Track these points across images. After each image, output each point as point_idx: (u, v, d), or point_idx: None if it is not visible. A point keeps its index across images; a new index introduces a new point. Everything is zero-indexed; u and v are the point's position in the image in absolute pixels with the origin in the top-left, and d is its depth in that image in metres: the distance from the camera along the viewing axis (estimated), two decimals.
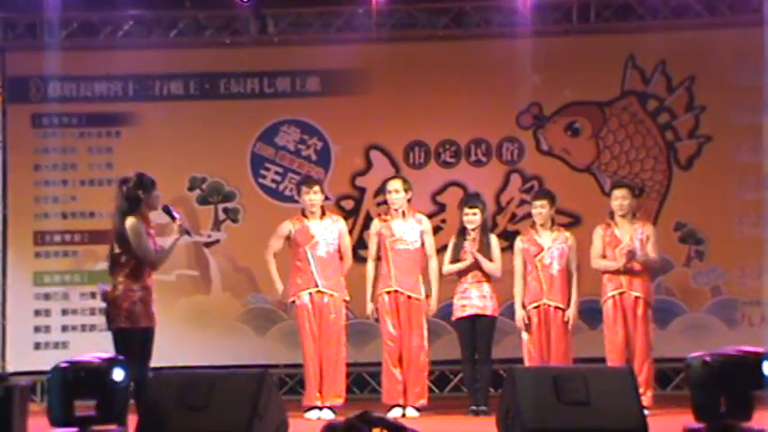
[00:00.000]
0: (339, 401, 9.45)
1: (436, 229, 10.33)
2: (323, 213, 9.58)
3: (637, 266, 9.30)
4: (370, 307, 9.61)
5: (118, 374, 6.72)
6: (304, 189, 9.58)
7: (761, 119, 10.81)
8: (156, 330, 8.17)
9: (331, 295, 9.46)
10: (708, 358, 6.67)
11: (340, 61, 11.28)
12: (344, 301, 9.55)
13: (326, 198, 10.11)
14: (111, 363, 6.78)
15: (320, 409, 9.41)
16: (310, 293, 9.47)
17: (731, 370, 6.59)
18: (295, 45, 11.40)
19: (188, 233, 8.37)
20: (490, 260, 9.53)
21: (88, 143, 11.31)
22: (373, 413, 4.57)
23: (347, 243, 9.68)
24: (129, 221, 8.03)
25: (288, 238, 9.55)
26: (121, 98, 11.32)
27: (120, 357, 6.97)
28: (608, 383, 6.80)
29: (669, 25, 11.16)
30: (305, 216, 9.58)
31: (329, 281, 9.47)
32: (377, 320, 9.68)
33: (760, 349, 6.77)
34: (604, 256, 9.41)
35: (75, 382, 6.71)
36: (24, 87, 11.28)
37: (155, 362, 9.23)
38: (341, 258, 9.58)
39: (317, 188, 9.54)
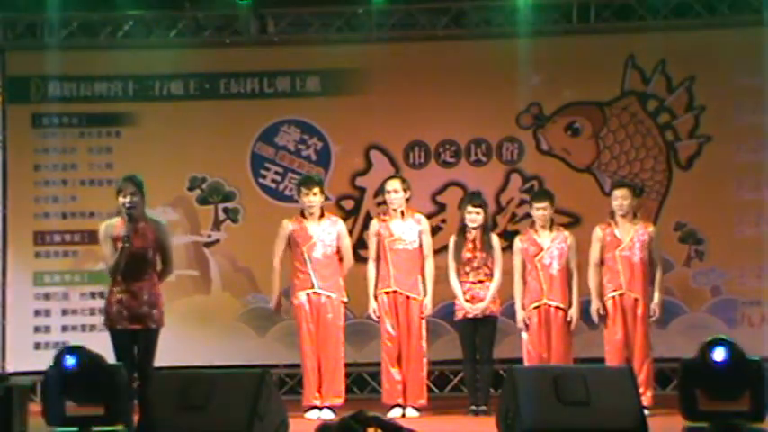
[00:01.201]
0: (339, 401, 9.46)
1: (436, 229, 10.34)
2: (321, 215, 9.57)
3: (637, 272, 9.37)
4: (373, 305, 9.60)
5: (68, 361, 6.65)
6: (303, 191, 9.56)
7: (761, 119, 10.82)
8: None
9: (328, 296, 9.46)
10: (691, 357, 6.68)
11: (340, 61, 11.28)
12: (342, 302, 9.54)
13: (326, 198, 10.10)
14: (65, 350, 6.72)
15: (320, 408, 9.41)
16: (308, 294, 9.47)
17: (705, 368, 6.59)
18: (295, 45, 11.40)
19: (126, 238, 8.16)
20: (492, 260, 9.53)
21: (88, 143, 11.31)
22: (368, 412, 4.55)
23: (347, 244, 9.67)
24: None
25: (289, 238, 9.55)
26: (121, 98, 11.32)
27: (75, 345, 6.86)
28: (608, 383, 6.79)
29: (669, 25, 11.16)
30: (304, 217, 9.58)
31: (326, 282, 9.46)
32: (377, 320, 9.68)
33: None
34: (602, 262, 9.42)
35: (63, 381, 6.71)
36: (24, 87, 11.28)
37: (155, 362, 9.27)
38: (340, 260, 9.58)
39: (316, 190, 9.51)
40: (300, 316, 9.51)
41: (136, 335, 8.24)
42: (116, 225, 8.26)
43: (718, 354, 6.52)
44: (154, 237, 8.33)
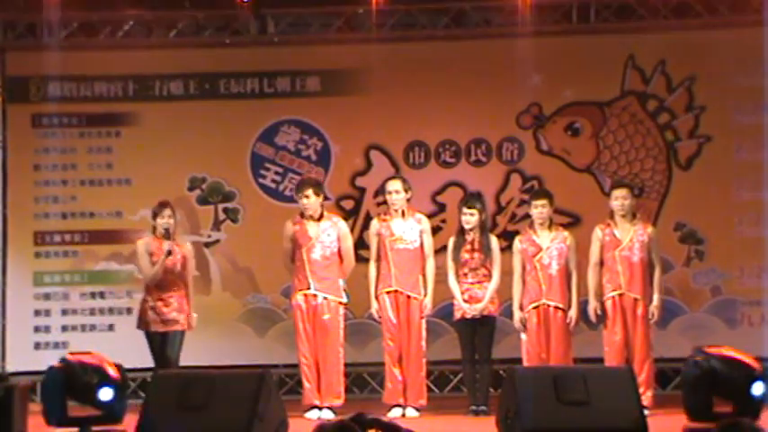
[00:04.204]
0: (338, 402, 9.46)
1: (436, 229, 10.33)
2: (321, 215, 9.58)
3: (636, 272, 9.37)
4: (374, 306, 9.62)
5: (105, 394, 6.69)
6: (297, 194, 9.66)
7: (761, 119, 10.82)
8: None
9: (325, 298, 9.47)
10: (700, 358, 6.67)
11: (340, 61, 11.28)
12: (340, 303, 9.53)
13: (326, 198, 10.10)
14: (101, 378, 6.74)
15: (320, 408, 9.42)
16: (304, 295, 9.49)
17: (721, 376, 6.58)
18: (295, 45, 11.40)
19: (168, 252, 9.41)
20: (490, 261, 9.53)
21: (88, 143, 11.30)
22: (367, 414, 4.54)
23: (348, 245, 9.66)
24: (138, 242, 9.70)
25: (291, 238, 9.58)
26: (121, 98, 11.31)
27: (113, 376, 6.90)
28: (608, 383, 6.80)
29: (669, 25, 11.16)
30: (304, 218, 9.59)
31: (322, 283, 9.47)
32: (380, 320, 9.68)
33: (751, 363, 6.75)
34: (602, 262, 9.43)
35: (68, 386, 6.71)
36: (24, 87, 11.27)
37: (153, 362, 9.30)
38: (341, 261, 9.58)
39: (308, 192, 9.52)
40: (297, 316, 9.54)
41: (166, 336, 9.34)
42: (151, 242, 9.49)
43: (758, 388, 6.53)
44: (182, 255, 9.48)
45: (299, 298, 9.52)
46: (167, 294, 9.39)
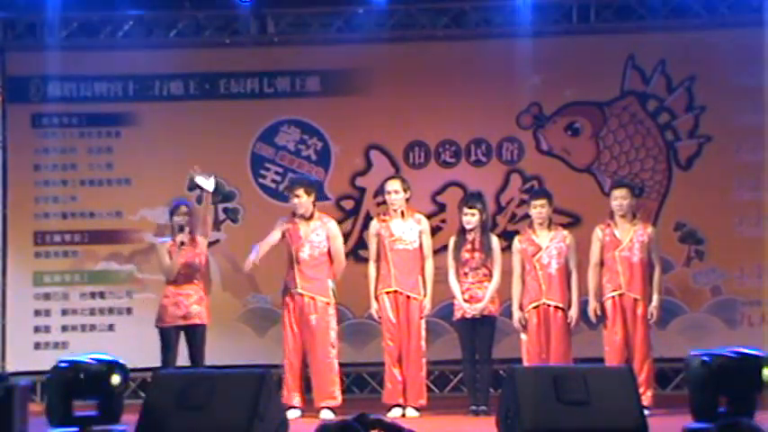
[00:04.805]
0: (334, 402, 9.44)
1: (436, 229, 10.34)
2: (311, 215, 9.58)
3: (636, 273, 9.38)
4: (374, 307, 9.62)
5: (115, 379, 6.73)
6: (288, 194, 9.73)
7: (761, 119, 10.81)
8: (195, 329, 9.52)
9: (311, 297, 9.47)
10: (706, 358, 6.67)
11: (340, 61, 11.27)
12: (328, 303, 9.52)
13: (326, 198, 10.08)
14: (110, 366, 6.78)
15: (301, 410, 9.40)
16: (291, 293, 9.51)
17: (730, 371, 6.59)
18: (295, 45, 11.40)
19: (181, 243, 9.48)
20: (491, 260, 9.53)
21: (88, 143, 11.30)
22: (370, 415, 4.55)
23: (338, 245, 9.66)
24: None
25: (283, 236, 9.59)
26: (121, 98, 11.31)
27: (118, 362, 6.96)
28: (608, 383, 6.80)
29: (669, 25, 11.16)
30: (295, 216, 9.60)
31: (309, 283, 9.48)
32: (380, 320, 9.68)
33: (758, 353, 6.77)
34: (602, 263, 9.43)
35: (74, 383, 6.72)
36: (24, 87, 11.27)
37: (153, 362, 9.29)
38: (331, 261, 9.59)
39: (299, 191, 9.56)
40: (284, 314, 9.60)
41: (184, 330, 9.45)
42: (169, 243, 9.55)
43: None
44: (202, 251, 9.62)
45: (287, 297, 9.54)
46: (187, 288, 9.46)
